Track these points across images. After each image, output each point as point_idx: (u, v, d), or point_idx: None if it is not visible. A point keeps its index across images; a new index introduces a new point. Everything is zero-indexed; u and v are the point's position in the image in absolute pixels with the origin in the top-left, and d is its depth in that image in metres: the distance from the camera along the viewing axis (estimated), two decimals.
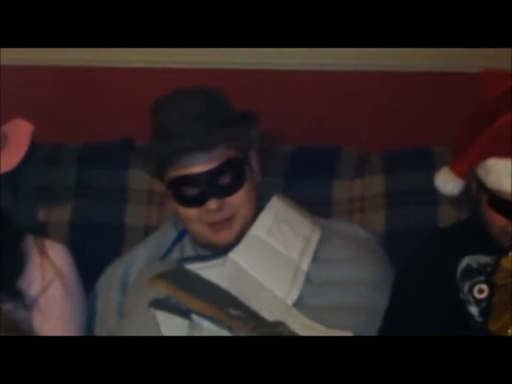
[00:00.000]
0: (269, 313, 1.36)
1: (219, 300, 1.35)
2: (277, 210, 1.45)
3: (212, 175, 1.39)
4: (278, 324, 1.35)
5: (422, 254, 1.43)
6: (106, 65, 1.77)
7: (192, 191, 1.41)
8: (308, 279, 1.41)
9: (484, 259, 1.38)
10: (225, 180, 1.40)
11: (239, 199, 1.42)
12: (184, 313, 1.34)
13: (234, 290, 1.37)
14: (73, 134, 1.76)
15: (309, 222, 1.47)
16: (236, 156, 1.42)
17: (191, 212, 1.42)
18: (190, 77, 1.72)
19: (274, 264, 1.41)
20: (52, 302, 1.44)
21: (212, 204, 1.39)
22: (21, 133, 1.52)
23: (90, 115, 1.80)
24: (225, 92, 1.45)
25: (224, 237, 1.42)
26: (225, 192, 1.41)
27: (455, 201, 1.55)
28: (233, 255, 1.40)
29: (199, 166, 1.39)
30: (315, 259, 1.43)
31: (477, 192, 1.39)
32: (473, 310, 1.36)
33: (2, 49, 1.68)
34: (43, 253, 1.47)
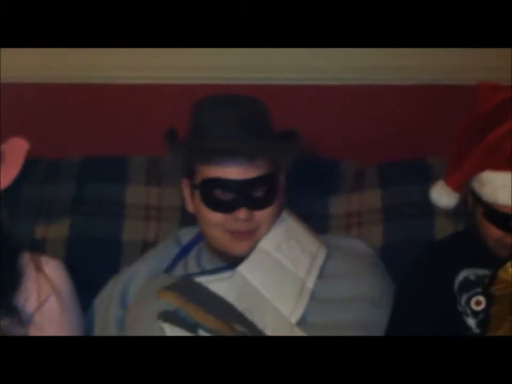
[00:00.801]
0: (272, 330, 1.35)
1: (226, 315, 1.35)
2: (287, 226, 1.45)
3: (248, 184, 1.39)
4: None
5: (418, 267, 1.44)
6: (105, 82, 1.77)
7: (225, 196, 1.40)
8: (311, 297, 1.40)
9: (481, 271, 1.38)
10: (259, 192, 1.41)
11: (266, 214, 1.42)
12: (191, 327, 1.34)
13: (240, 304, 1.37)
14: (71, 150, 1.75)
15: (316, 239, 1.48)
16: (272, 171, 1.42)
17: (216, 216, 1.41)
18: (189, 93, 1.73)
19: (281, 281, 1.41)
20: (48, 318, 1.44)
21: (242, 213, 1.39)
22: (16, 150, 1.53)
23: (88, 131, 1.80)
24: None
25: (242, 247, 1.42)
26: (257, 204, 1.41)
27: (452, 213, 1.55)
28: (242, 268, 1.40)
29: (238, 172, 1.39)
30: (319, 276, 1.42)
31: (473, 205, 1.40)
32: (471, 322, 1.36)
33: (2, 66, 1.69)
34: (39, 269, 1.47)
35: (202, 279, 1.40)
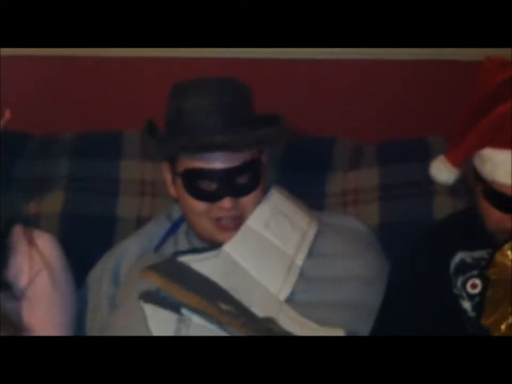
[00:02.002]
0: (260, 308, 1.34)
1: (210, 294, 1.33)
2: (275, 202, 1.44)
3: (231, 173, 1.38)
4: (268, 320, 1.33)
5: (415, 248, 1.42)
6: (100, 55, 1.74)
7: (208, 186, 1.39)
8: (301, 274, 1.39)
9: (478, 253, 1.36)
10: (242, 179, 1.39)
11: (251, 200, 1.40)
12: (174, 307, 1.33)
13: (226, 283, 1.36)
14: (65, 125, 1.74)
15: (306, 215, 1.46)
16: (255, 156, 1.40)
17: (200, 206, 1.40)
18: (186, 67, 1.71)
19: (269, 258, 1.39)
20: (39, 292, 1.43)
21: (227, 202, 1.38)
22: None
23: (83, 106, 1.78)
24: None
25: (229, 235, 1.40)
26: (241, 192, 1.39)
27: (451, 192, 1.53)
28: (227, 247, 1.39)
29: (220, 162, 1.37)
30: (310, 254, 1.41)
31: (473, 183, 1.38)
32: (466, 305, 1.34)
33: None
34: (31, 243, 1.46)
35: (186, 258, 1.38)
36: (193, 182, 1.39)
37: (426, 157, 1.52)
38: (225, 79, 1.42)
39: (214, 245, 1.41)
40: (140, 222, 1.61)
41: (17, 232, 1.48)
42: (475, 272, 1.34)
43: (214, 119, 1.37)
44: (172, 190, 1.45)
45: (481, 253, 1.35)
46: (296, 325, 1.33)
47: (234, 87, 1.41)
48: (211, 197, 1.38)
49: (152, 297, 1.34)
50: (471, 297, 1.34)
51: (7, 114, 1.51)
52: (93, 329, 1.46)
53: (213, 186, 1.38)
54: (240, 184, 1.39)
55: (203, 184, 1.38)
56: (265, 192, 1.43)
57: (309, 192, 1.59)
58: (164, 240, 1.50)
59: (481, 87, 1.33)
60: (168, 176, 1.45)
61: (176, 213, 1.53)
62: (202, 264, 1.37)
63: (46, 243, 1.48)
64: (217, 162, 1.37)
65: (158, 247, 1.50)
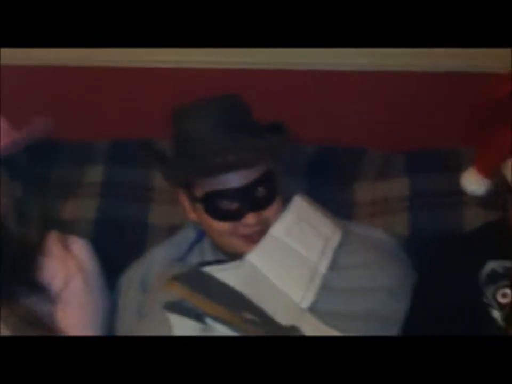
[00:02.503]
0: (283, 317, 1.34)
1: (234, 303, 1.35)
2: (298, 210, 1.44)
3: (250, 189, 1.39)
4: (291, 329, 1.33)
5: (444, 257, 1.41)
6: (132, 65, 1.78)
7: (229, 205, 1.39)
8: (325, 285, 1.39)
9: (510, 263, 1.35)
10: (260, 193, 1.40)
11: (272, 211, 1.41)
12: (198, 317, 1.34)
13: (249, 292, 1.36)
14: (100, 133, 1.76)
15: (330, 222, 1.46)
16: (269, 168, 1.41)
17: (225, 226, 1.40)
18: (207, 77, 1.72)
19: (292, 266, 1.39)
20: (73, 296, 1.46)
21: (251, 218, 1.39)
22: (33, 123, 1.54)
23: (117, 114, 1.81)
24: (244, 93, 1.43)
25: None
26: (262, 205, 1.40)
27: (481, 203, 1.53)
28: (250, 257, 1.39)
29: (237, 180, 1.38)
30: (334, 264, 1.41)
31: (503, 193, 1.37)
32: (496, 314, 1.34)
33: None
34: (66, 248, 1.49)
35: (210, 269, 1.39)
36: (214, 204, 1.40)
37: (457, 168, 1.53)
38: (222, 96, 1.42)
39: (238, 257, 1.42)
40: (172, 230, 1.62)
41: (52, 237, 1.51)
42: (506, 282, 1.34)
43: (223, 138, 1.37)
44: (192, 216, 1.46)
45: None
46: (319, 333, 1.33)
47: (233, 104, 1.41)
48: (235, 216, 1.39)
49: (177, 307, 1.36)
50: (501, 306, 1.33)
51: (50, 122, 1.54)
52: (121, 333, 1.48)
53: (235, 205, 1.39)
54: (259, 198, 1.40)
55: (224, 204, 1.39)
56: (283, 201, 1.44)
57: (337, 202, 1.60)
58: (190, 250, 1.52)
59: (502, 95, 1.33)
60: (186, 203, 1.46)
61: None
62: (225, 274, 1.38)
63: (80, 248, 1.51)
64: (234, 180, 1.38)
65: (184, 257, 1.51)
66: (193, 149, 1.39)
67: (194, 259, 1.50)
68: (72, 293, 1.46)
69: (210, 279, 1.38)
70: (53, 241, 1.50)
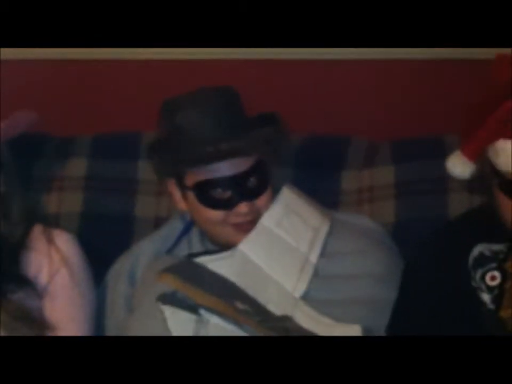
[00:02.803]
0: (276, 306, 1.35)
1: (226, 293, 1.35)
2: (287, 201, 1.45)
3: (242, 178, 1.39)
4: (285, 318, 1.34)
5: (431, 244, 1.42)
6: (116, 57, 1.77)
7: (222, 194, 1.40)
8: (315, 273, 1.40)
9: (497, 247, 1.36)
10: (253, 182, 1.40)
11: (264, 201, 1.42)
12: (192, 308, 1.34)
13: (242, 282, 1.37)
14: (84, 126, 1.75)
15: (319, 213, 1.47)
16: (259, 158, 1.41)
17: (217, 215, 1.41)
18: (199, 69, 1.72)
19: (283, 256, 1.40)
20: (59, 290, 1.45)
21: (243, 207, 1.39)
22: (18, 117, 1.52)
23: (101, 107, 1.80)
24: (231, 84, 1.43)
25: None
26: (254, 194, 1.41)
27: (467, 189, 1.54)
28: (242, 246, 1.40)
29: (230, 169, 1.38)
30: (323, 252, 1.42)
31: (489, 176, 1.38)
32: (486, 297, 1.35)
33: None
34: (50, 241, 1.48)
35: (202, 260, 1.40)
36: (207, 193, 1.40)
37: (441, 155, 1.53)
38: (214, 87, 1.42)
39: (228, 247, 1.42)
40: (158, 222, 1.62)
41: (37, 231, 1.50)
42: (494, 265, 1.35)
43: (215, 128, 1.38)
44: (182, 205, 1.46)
45: (499, 246, 1.36)
46: (312, 322, 1.34)
47: (225, 94, 1.42)
48: (227, 205, 1.40)
49: (170, 298, 1.35)
50: (490, 289, 1.34)
51: (34, 116, 1.53)
52: (110, 327, 1.48)
53: (227, 193, 1.40)
54: (252, 187, 1.40)
55: (217, 193, 1.40)
56: (272, 189, 1.44)
57: (324, 190, 1.60)
58: (177, 242, 1.51)
59: (492, 82, 1.34)
60: (176, 192, 1.46)
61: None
62: (217, 264, 1.39)
63: (64, 242, 1.50)
64: (227, 169, 1.38)
65: (171, 249, 1.51)
66: (186, 138, 1.39)
67: (182, 251, 1.49)
68: (58, 287, 1.45)
69: (202, 269, 1.38)
70: (37, 235, 1.49)
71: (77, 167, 1.67)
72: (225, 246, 1.43)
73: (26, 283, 1.44)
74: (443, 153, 1.53)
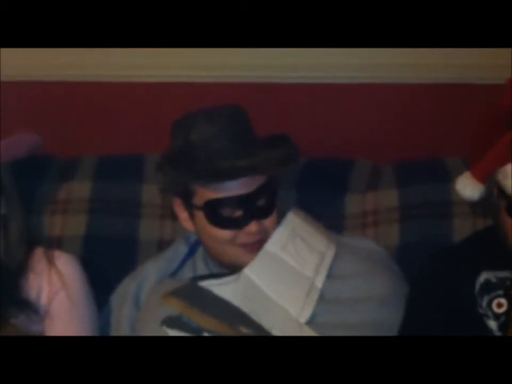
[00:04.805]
0: (280, 331, 1.35)
1: (231, 318, 1.35)
2: (293, 225, 1.45)
3: (252, 197, 1.39)
4: None
5: (436, 269, 1.42)
6: (120, 80, 1.77)
7: (233, 213, 1.39)
8: (320, 296, 1.39)
9: (503, 273, 1.37)
10: (262, 202, 1.41)
11: (271, 221, 1.42)
12: (196, 332, 1.34)
13: (246, 307, 1.37)
14: (88, 148, 1.75)
15: (325, 237, 1.47)
16: (267, 179, 1.41)
17: (226, 234, 1.40)
18: (204, 92, 1.72)
19: (288, 281, 1.40)
20: (58, 312, 1.45)
21: (253, 226, 1.39)
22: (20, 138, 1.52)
23: (104, 129, 1.80)
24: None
25: (254, 257, 1.41)
26: (263, 214, 1.41)
27: (470, 213, 1.54)
28: (247, 270, 1.39)
29: (240, 187, 1.38)
30: (327, 275, 1.42)
31: (497, 199, 1.38)
32: (492, 324, 1.35)
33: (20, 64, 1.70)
34: (51, 263, 1.47)
35: (207, 283, 1.39)
36: (216, 211, 1.39)
37: (444, 178, 1.55)
38: (224, 106, 1.43)
39: (233, 269, 1.42)
40: (162, 244, 1.62)
41: (38, 253, 1.50)
42: (500, 292, 1.35)
43: (228, 145, 1.38)
44: (188, 225, 1.46)
45: (505, 273, 1.36)
46: None
47: (236, 113, 1.42)
48: (237, 224, 1.39)
49: (175, 322, 1.35)
50: (496, 316, 1.35)
51: (36, 139, 1.52)
52: None
53: (237, 213, 1.39)
54: (261, 207, 1.40)
55: (227, 212, 1.39)
56: (278, 213, 1.44)
57: (327, 214, 1.60)
58: (181, 265, 1.51)
59: (502, 105, 1.34)
60: (182, 212, 1.45)
61: (193, 236, 1.53)
62: (222, 288, 1.39)
63: (65, 263, 1.49)
64: (237, 188, 1.38)
65: (176, 272, 1.50)
66: (202, 153, 1.38)
67: (186, 274, 1.49)
68: (56, 308, 1.45)
69: (207, 293, 1.38)
70: (38, 257, 1.49)
71: (81, 189, 1.67)
72: (230, 267, 1.43)
73: (27, 306, 1.44)
74: (446, 177, 1.55)
